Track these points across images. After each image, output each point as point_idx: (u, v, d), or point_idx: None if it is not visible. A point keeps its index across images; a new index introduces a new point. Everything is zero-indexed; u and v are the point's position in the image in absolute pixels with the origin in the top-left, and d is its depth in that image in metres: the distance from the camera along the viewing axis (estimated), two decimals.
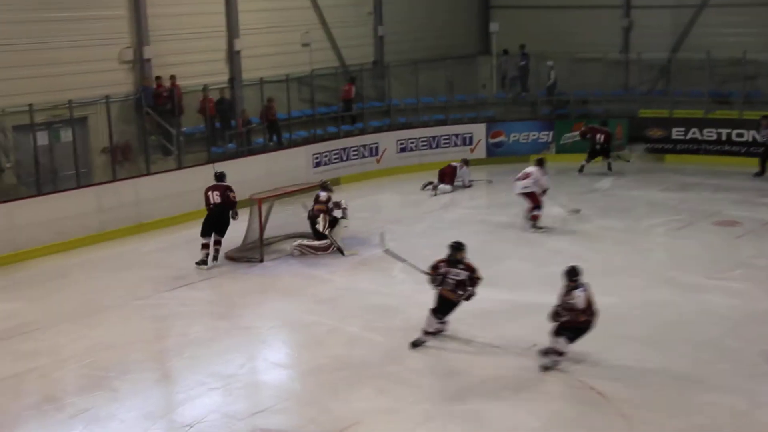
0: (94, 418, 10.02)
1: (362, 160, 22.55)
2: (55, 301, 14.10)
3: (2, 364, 11.64)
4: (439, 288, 11.62)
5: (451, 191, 20.67)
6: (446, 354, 11.56)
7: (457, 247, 11.69)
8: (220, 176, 16.02)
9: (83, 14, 18.84)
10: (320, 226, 16.12)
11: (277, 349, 12.35)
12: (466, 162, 21.45)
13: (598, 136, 22.20)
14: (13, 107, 17.12)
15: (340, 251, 16.07)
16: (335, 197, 16.45)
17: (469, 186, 21.07)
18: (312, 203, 16.48)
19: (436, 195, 20.49)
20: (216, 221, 15.60)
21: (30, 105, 17.10)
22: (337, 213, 16.29)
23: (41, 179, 17.29)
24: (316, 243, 16.10)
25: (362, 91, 24.21)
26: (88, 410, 10.20)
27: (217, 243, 15.62)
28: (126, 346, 12.21)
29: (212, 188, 15.78)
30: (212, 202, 15.66)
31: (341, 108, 23.36)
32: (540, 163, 17.50)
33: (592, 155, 22.28)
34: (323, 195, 16.31)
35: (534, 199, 17.11)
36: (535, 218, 17.18)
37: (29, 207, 16.56)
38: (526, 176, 17.15)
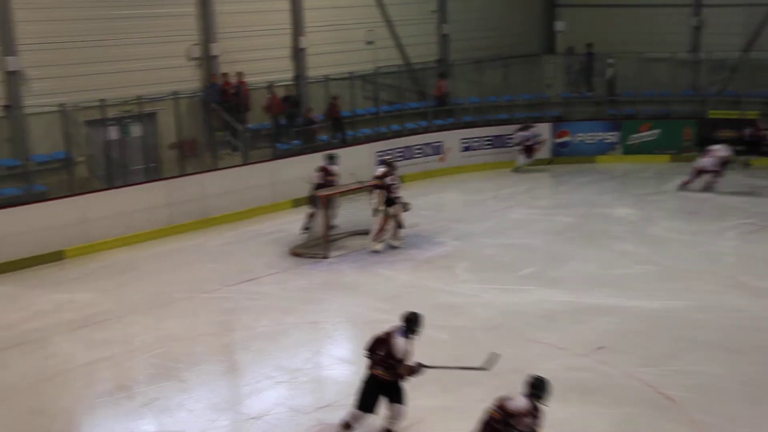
0: (163, 407, 10.25)
1: (426, 158, 22.60)
2: (127, 292, 14.45)
3: (77, 351, 12.01)
4: None
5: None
6: (511, 354, 11.48)
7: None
8: (331, 158, 17.07)
9: (154, 11, 19.21)
10: (373, 203, 16.15)
11: (342, 344, 12.47)
12: (527, 127, 22.38)
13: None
14: (86, 102, 17.55)
15: (395, 229, 16.06)
16: (396, 180, 16.31)
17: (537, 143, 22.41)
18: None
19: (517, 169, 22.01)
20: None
21: (102, 100, 17.55)
22: (396, 193, 16.14)
23: (112, 173, 17.69)
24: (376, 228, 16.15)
25: (426, 90, 24.28)
26: (158, 400, 10.44)
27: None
28: (194, 337, 12.47)
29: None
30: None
31: (435, 103, 23.65)
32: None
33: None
34: (380, 170, 16.29)
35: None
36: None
37: (101, 200, 16.98)
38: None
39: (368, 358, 9.16)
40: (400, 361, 8.96)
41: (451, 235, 17.04)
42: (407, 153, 22.20)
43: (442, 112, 24.07)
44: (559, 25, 26.24)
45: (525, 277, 14.55)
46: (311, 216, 16.90)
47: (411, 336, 9.10)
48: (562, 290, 13.79)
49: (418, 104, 23.92)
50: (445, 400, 10.36)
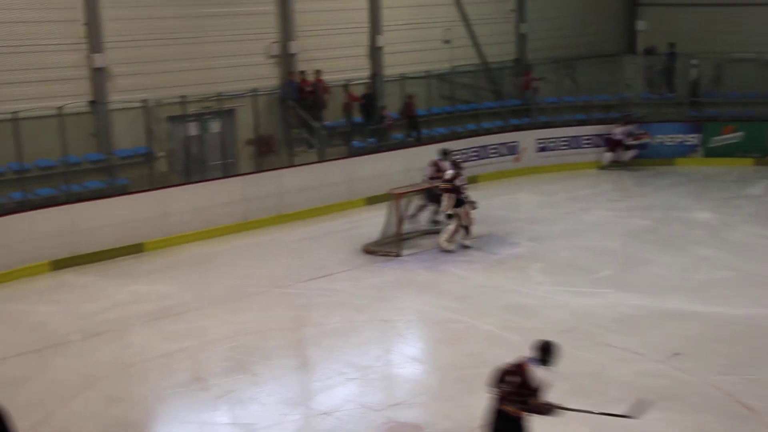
0: (236, 400, 10.40)
1: (501, 158, 22.42)
2: (203, 285, 14.69)
3: (154, 342, 12.27)
4: None
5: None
6: (585, 357, 11.35)
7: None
8: (444, 153, 17.09)
9: (234, 10, 19.49)
10: (444, 207, 16.13)
11: (413, 343, 12.47)
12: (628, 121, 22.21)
13: None
14: (168, 99, 17.93)
15: (466, 232, 16.06)
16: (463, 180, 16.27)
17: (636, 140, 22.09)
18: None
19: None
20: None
21: (183, 97, 17.89)
22: (465, 193, 16.11)
23: (191, 168, 18.02)
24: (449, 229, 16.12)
25: (502, 89, 24.10)
26: (231, 392, 10.59)
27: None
28: (267, 332, 12.61)
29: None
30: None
31: (520, 100, 23.65)
32: None
33: None
34: (449, 173, 16.19)
35: None
36: None
37: (179, 195, 17.31)
38: None
39: (496, 391, 8.10)
40: (535, 392, 7.99)
41: (525, 236, 16.88)
42: (482, 153, 22.06)
43: (519, 112, 23.85)
44: (641, 25, 25.73)
45: (600, 279, 14.32)
46: (421, 208, 17.17)
47: (545, 367, 8.08)
48: (638, 294, 13.52)
49: (494, 104, 23.77)
50: None
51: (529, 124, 23.50)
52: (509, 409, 8.04)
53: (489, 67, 24.20)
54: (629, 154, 22.46)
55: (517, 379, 7.97)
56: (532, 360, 8.10)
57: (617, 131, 22.41)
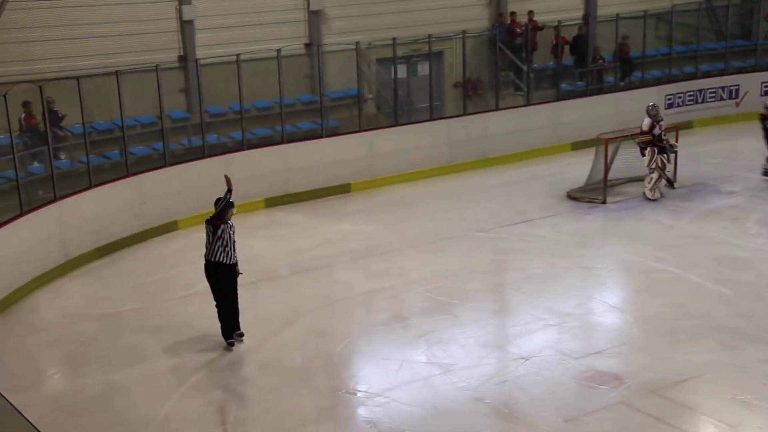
0: (435, 340, 10.56)
1: (719, 102, 21.11)
2: (406, 226, 14.98)
3: (358, 280, 12.69)
4: None
5: None
6: None
7: None
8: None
9: None
10: (646, 160, 15.47)
11: (615, 292, 12.15)
12: None
13: None
14: (378, 41, 18.15)
15: (670, 183, 15.38)
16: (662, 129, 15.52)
17: None
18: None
19: None
20: None
21: (393, 39, 18.03)
22: (664, 140, 15.44)
23: (398, 111, 18.26)
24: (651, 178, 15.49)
25: (726, 29, 22.53)
26: (431, 332, 10.77)
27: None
28: (467, 275, 12.69)
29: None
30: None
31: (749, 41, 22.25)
32: None
33: None
34: (646, 122, 15.46)
35: None
36: None
37: (386, 136, 17.63)
38: None
39: None
40: None
41: (742, 185, 15.90)
42: (699, 97, 20.85)
43: (743, 54, 22.25)
44: None
45: None
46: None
47: None
48: None
49: (715, 45, 22.29)
50: (725, 356, 9.76)
51: (753, 67, 21.88)
52: None
53: (712, 6, 22.65)
54: None
55: None
56: None
57: None
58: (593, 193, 15.80)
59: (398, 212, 15.86)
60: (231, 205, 10.53)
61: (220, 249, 10.42)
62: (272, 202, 16.43)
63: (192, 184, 15.01)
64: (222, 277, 10.56)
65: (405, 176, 17.60)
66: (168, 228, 15.14)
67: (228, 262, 10.50)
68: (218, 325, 10.75)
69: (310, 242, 14.38)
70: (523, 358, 9.99)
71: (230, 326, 10.70)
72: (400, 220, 15.35)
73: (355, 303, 11.90)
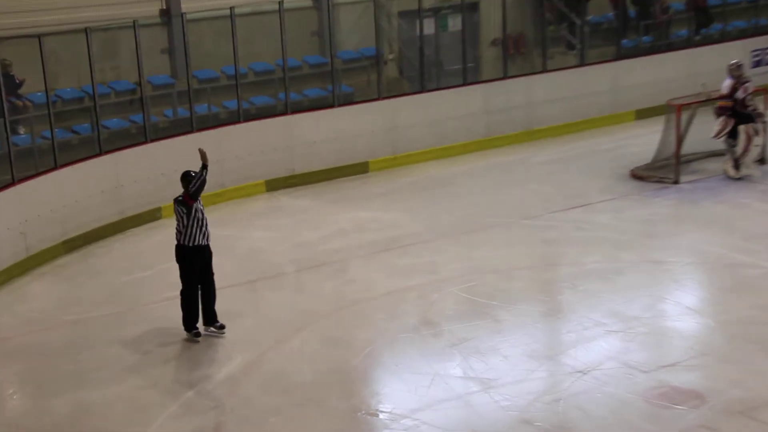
0: (473, 349, 10.47)
1: None
2: (436, 213, 14.92)
3: (379, 278, 12.62)
4: None
5: None
6: None
7: None
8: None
9: None
10: (715, 130, 15.36)
11: (692, 291, 12.05)
12: None
13: None
14: None
15: (761, 159, 15.29)
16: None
17: None
18: None
19: None
20: None
21: None
22: (752, 107, 15.31)
23: (425, 74, 18.15)
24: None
25: None
26: (468, 340, 10.67)
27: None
28: (511, 271, 12.61)
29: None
30: None
31: None
32: None
33: None
34: (726, 83, 15.31)
35: None
36: None
37: (411, 105, 17.61)
38: None
39: None
40: None
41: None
42: None
43: None
44: None
45: None
46: None
47: None
48: None
49: None
50: None
51: None
52: None
53: None
54: None
55: None
56: None
57: None
58: (663, 171, 15.73)
59: (427, 196, 15.81)
60: (205, 182, 10.91)
61: (197, 231, 10.85)
62: (274, 185, 16.42)
63: (178, 163, 14.82)
64: (200, 260, 10.98)
65: (434, 152, 17.56)
66: (150, 216, 15.15)
67: (206, 242, 10.97)
68: (212, 332, 10.90)
69: (320, 233, 14.33)
70: (579, 371, 9.88)
71: (204, 315, 11.12)
72: (430, 205, 15.29)
73: (377, 305, 11.84)
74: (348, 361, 10.42)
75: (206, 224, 10.94)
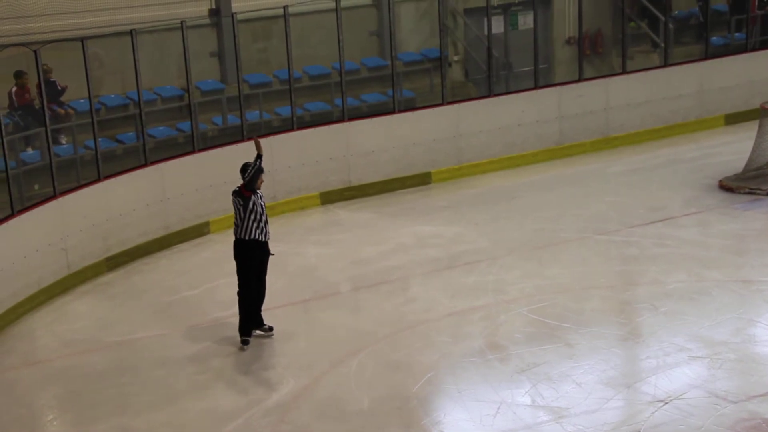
0: (544, 376, 10.48)
1: None
2: (503, 227, 14.96)
3: (442, 298, 12.67)
4: None
5: None
6: None
7: None
8: None
9: None
10: None
11: None
12: None
13: None
14: None
15: None
16: None
17: None
18: None
19: None
20: None
21: None
22: None
23: (492, 76, 18.19)
24: None
25: None
26: (538, 365, 10.69)
27: None
28: (585, 291, 12.59)
29: None
30: None
31: None
32: None
33: None
34: None
35: None
36: None
37: (477, 111, 17.64)
38: None
39: None
40: None
41: None
42: None
43: None
44: None
45: None
46: None
47: None
48: None
49: None
50: None
51: None
52: None
53: None
54: None
55: None
56: None
57: None
58: (755, 182, 15.61)
59: (493, 208, 15.84)
60: (261, 171, 11.27)
61: (254, 224, 11.26)
62: (330, 198, 16.57)
63: (227, 174, 15.13)
64: (256, 257, 11.38)
65: (501, 162, 17.59)
66: (197, 232, 15.39)
67: (263, 239, 11.36)
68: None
69: (379, 249, 14.44)
70: (661, 401, 9.86)
71: (255, 320, 11.54)
72: (496, 219, 15.33)
73: (439, 327, 11.88)
74: (407, 387, 10.48)
75: (266, 221, 11.32)
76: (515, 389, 10.31)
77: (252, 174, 11.15)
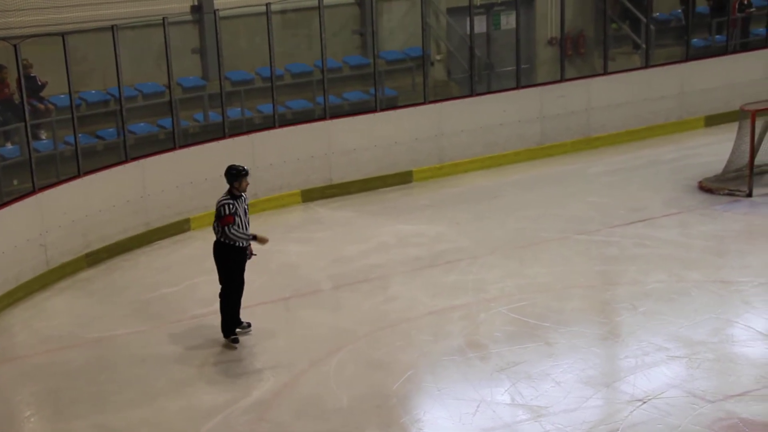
0: (523, 374, 10.51)
1: None
2: (484, 227, 14.98)
3: (422, 297, 12.69)
4: None
5: None
6: None
7: None
8: None
9: None
10: None
11: (764, 314, 11.87)
12: None
13: None
14: None
15: None
16: None
17: None
18: None
19: None
20: None
21: None
22: None
23: (474, 76, 18.20)
24: None
25: None
26: (518, 364, 10.72)
27: None
28: (565, 290, 12.63)
29: None
30: None
31: None
32: None
33: None
34: None
35: None
36: None
37: (459, 110, 17.65)
38: None
39: None
40: None
41: None
42: None
43: None
44: None
45: None
46: None
47: None
48: None
49: None
50: None
51: None
52: None
53: None
54: None
55: None
56: None
57: None
58: (735, 183, 15.67)
59: (474, 208, 15.86)
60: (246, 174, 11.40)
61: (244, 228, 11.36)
62: (311, 196, 16.57)
63: (208, 171, 15.16)
64: (241, 260, 11.51)
65: (483, 161, 17.62)
66: (177, 228, 15.36)
67: (245, 243, 11.49)
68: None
69: (360, 247, 14.45)
70: (639, 400, 9.90)
71: (237, 318, 11.62)
72: (477, 218, 15.35)
73: (420, 326, 11.90)
74: (387, 386, 10.49)
75: (247, 224, 11.38)
76: (495, 388, 10.34)
77: (235, 234, 11.21)
